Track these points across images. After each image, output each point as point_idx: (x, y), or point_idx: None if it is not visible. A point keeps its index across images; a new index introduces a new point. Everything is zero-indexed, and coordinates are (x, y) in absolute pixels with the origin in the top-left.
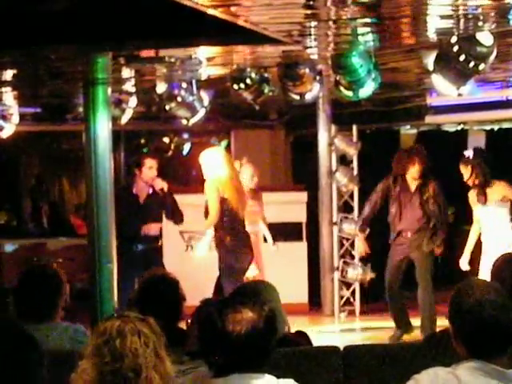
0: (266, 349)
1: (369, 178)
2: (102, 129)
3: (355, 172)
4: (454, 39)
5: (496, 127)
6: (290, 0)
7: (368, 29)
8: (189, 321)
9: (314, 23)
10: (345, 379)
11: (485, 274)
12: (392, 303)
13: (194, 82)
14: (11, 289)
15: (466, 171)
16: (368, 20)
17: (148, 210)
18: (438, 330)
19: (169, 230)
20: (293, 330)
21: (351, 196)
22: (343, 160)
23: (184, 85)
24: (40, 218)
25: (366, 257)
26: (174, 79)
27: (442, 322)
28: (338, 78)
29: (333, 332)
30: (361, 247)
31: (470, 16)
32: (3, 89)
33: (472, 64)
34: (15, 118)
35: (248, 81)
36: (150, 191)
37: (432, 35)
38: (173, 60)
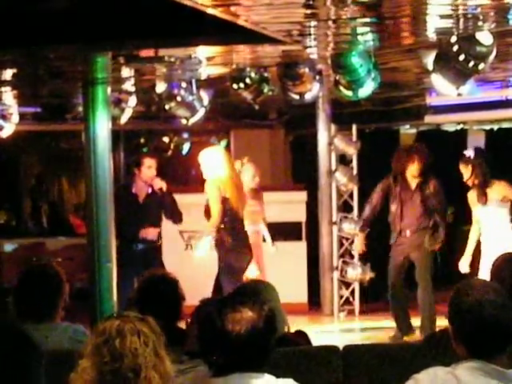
0: (266, 348)
1: (368, 177)
2: (102, 128)
3: (355, 171)
4: (453, 39)
5: (496, 127)
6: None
7: (368, 28)
8: (188, 320)
9: (313, 23)
10: (344, 379)
11: (484, 274)
12: (394, 303)
13: (193, 81)
14: (11, 288)
15: (466, 171)
16: (368, 20)
17: (147, 210)
18: (437, 329)
19: (168, 230)
20: (292, 330)
21: (351, 195)
22: (343, 159)
23: (184, 84)
24: (39, 218)
25: (365, 256)
26: (174, 79)
27: (442, 322)
28: (337, 78)
29: (332, 332)
30: (358, 246)
31: (470, 16)
32: (3, 88)
33: (471, 64)
34: (15, 118)
35: (248, 80)
36: (150, 191)
37: (431, 35)
38: (172, 59)
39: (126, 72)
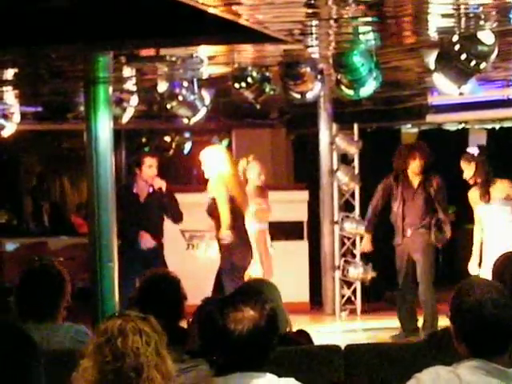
0: (267, 348)
1: (370, 176)
2: (103, 128)
3: (356, 171)
4: (455, 38)
5: (497, 126)
6: None
7: (369, 28)
8: (190, 320)
9: (315, 22)
10: (346, 378)
11: (486, 272)
12: (401, 303)
13: (195, 80)
14: (12, 288)
15: (468, 168)
16: (369, 19)
17: (148, 210)
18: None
19: (170, 229)
20: (294, 329)
21: (352, 195)
22: (344, 159)
23: (185, 84)
24: (41, 217)
25: (366, 255)
26: (175, 78)
27: (444, 322)
28: (339, 77)
29: (334, 331)
30: (366, 246)
31: (472, 15)
32: (4, 88)
33: (473, 63)
34: (16, 117)
35: (249, 80)
36: (151, 190)
37: (433, 34)
38: (174, 59)
39: (128, 71)
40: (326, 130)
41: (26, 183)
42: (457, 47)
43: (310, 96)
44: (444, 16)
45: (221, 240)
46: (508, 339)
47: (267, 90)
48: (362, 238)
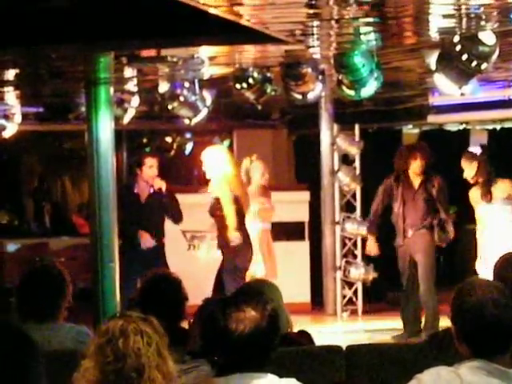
0: (269, 348)
1: (371, 177)
2: (105, 128)
3: (357, 171)
4: (456, 38)
5: (498, 127)
6: None
7: (370, 28)
8: (191, 320)
9: (316, 22)
10: (347, 378)
11: (487, 273)
12: (404, 304)
13: (196, 81)
14: (13, 288)
15: (469, 167)
16: (370, 19)
17: (149, 210)
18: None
19: (171, 230)
20: (295, 330)
21: (353, 195)
22: (345, 159)
23: (186, 84)
24: (42, 218)
25: (368, 256)
26: (177, 79)
27: (445, 322)
28: (340, 78)
29: (335, 331)
30: (372, 249)
31: (473, 15)
32: (5, 88)
33: (474, 63)
34: (17, 118)
35: (250, 80)
36: (151, 190)
37: (434, 34)
38: (175, 59)
39: (129, 72)
40: (327, 131)
41: (27, 184)
42: (458, 48)
43: (311, 96)
44: (445, 16)
45: (230, 242)
46: (509, 339)
47: (268, 90)
48: (363, 239)
